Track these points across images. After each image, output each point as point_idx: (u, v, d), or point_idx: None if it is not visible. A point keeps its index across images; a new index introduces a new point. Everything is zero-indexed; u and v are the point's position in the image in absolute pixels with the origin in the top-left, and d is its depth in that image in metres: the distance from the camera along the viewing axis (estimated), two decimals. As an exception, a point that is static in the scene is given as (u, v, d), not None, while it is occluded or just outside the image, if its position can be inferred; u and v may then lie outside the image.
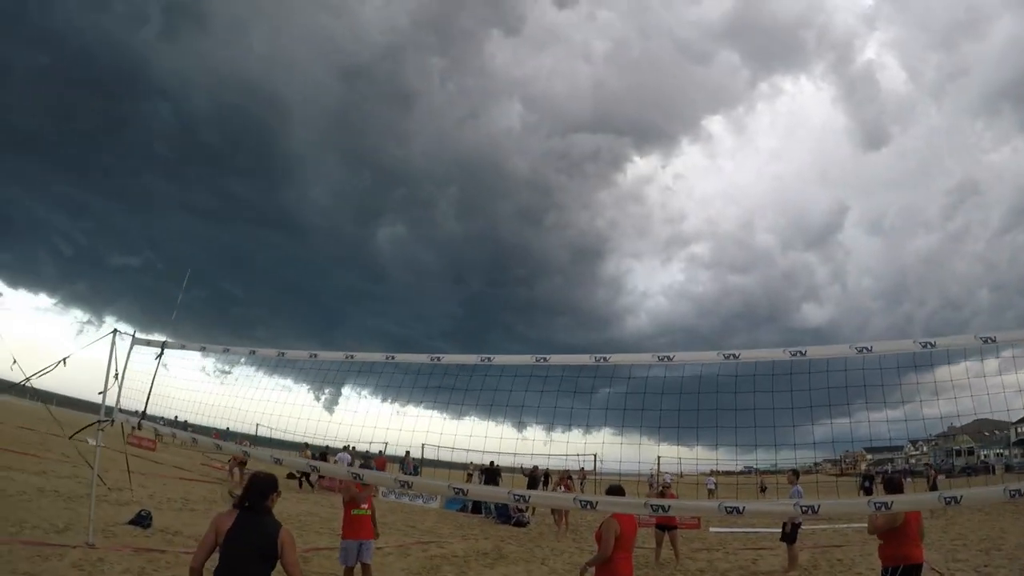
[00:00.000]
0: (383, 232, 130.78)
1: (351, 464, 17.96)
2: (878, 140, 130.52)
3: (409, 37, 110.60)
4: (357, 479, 6.44)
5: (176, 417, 11.81)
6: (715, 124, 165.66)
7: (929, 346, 5.05)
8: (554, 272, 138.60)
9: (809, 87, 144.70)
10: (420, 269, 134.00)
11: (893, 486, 5.34)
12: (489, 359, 5.56)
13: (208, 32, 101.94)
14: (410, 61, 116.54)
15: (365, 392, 8.02)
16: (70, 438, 10.31)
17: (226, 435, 25.00)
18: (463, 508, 19.74)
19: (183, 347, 8.76)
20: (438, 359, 5.93)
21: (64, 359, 8.79)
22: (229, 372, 9.66)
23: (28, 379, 8.49)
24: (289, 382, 8.42)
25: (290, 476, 20.70)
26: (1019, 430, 58.79)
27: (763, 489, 31.97)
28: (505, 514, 17.28)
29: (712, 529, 15.96)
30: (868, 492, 20.89)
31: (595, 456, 19.59)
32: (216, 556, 3.60)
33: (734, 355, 5.08)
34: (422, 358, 6.11)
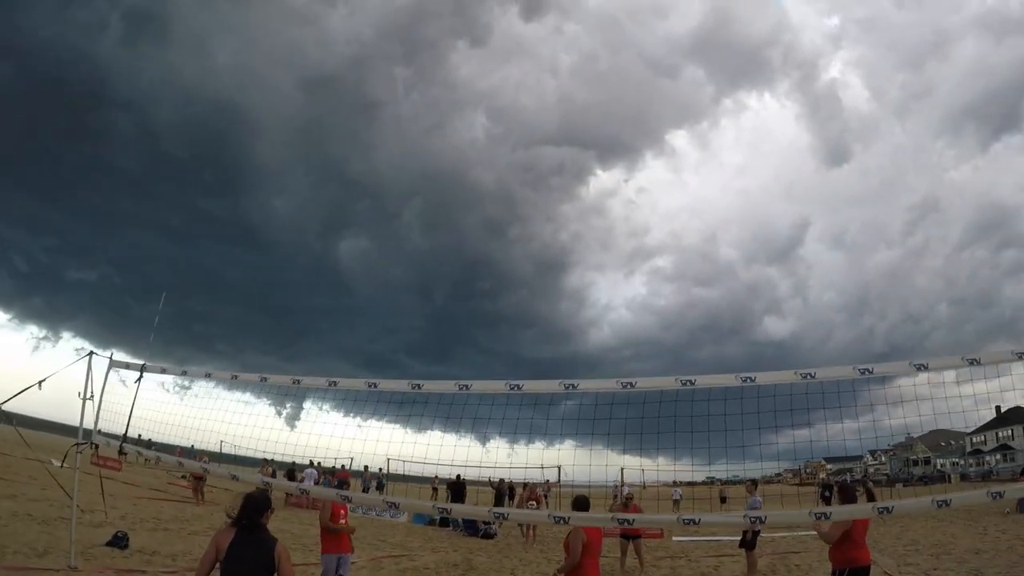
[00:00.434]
0: (346, 244, 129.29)
1: (318, 480, 18.03)
2: (840, 157, 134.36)
3: (375, 47, 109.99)
4: (347, 502, 6.64)
5: (140, 436, 11.79)
6: (679, 139, 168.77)
7: (867, 372, 5.58)
8: (519, 285, 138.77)
9: (773, 104, 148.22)
10: (385, 281, 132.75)
11: (847, 494, 6.14)
12: (467, 387, 5.90)
13: (170, 42, 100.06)
14: (375, 71, 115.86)
15: (326, 407, 8.09)
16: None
17: (190, 453, 24.62)
18: (431, 521, 19.96)
19: (163, 371, 8.78)
20: (419, 386, 6.18)
21: (40, 382, 8.80)
22: (189, 388, 9.66)
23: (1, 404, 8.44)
24: (249, 396, 8.45)
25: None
26: (974, 440, 61.34)
27: (723, 499, 32.80)
28: (472, 526, 17.52)
29: (675, 538, 16.36)
30: (827, 501, 21.69)
31: (559, 468, 19.99)
32: (217, 566, 3.87)
33: (691, 381, 5.59)
34: (402, 385, 6.33)
